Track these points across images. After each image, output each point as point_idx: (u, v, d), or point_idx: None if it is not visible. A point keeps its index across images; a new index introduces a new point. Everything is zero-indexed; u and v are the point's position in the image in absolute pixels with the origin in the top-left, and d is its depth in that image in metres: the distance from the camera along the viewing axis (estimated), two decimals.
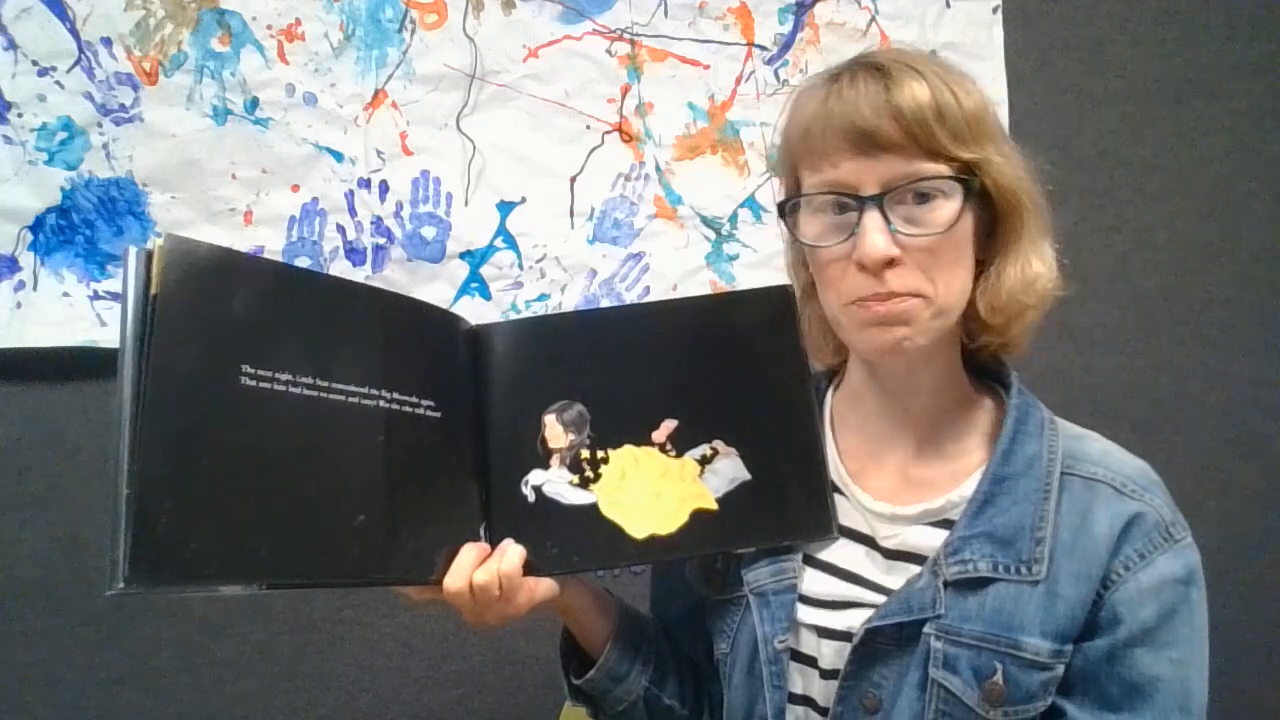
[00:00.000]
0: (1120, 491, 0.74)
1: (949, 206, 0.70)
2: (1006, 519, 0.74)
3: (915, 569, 0.76)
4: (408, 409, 0.77)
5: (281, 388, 0.70)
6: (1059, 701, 0.73)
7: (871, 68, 0.71)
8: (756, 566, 0.81)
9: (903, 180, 0.69)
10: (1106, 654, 0.72)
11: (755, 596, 0.80)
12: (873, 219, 0.69)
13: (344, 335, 0.75)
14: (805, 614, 0.79)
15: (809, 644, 0.79)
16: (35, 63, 1.26)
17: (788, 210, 0.76)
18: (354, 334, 0.76)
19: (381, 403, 0.76)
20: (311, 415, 0.72)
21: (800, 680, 0.79)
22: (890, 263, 0.69)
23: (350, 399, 0.74)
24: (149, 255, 0.66)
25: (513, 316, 1.34)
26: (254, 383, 0.69)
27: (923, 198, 0.70)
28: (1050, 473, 0.75)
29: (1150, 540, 0.72)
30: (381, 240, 1.32)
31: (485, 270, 1.34)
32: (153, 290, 0.65)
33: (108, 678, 1.33)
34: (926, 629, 0.73)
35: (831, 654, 0.77)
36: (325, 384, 0.72)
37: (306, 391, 0.71)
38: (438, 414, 0.79)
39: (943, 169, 0.70)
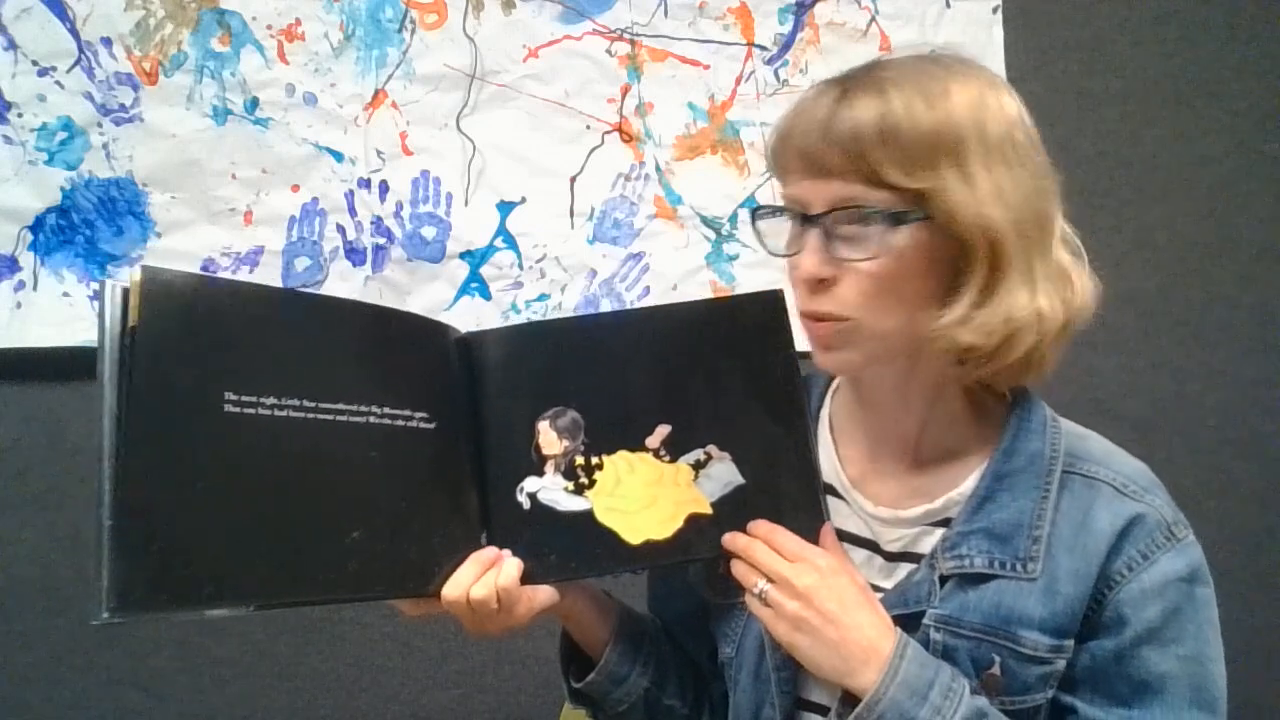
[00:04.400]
0: (1121, 491, 0.74)
1: (892, 236, 0.68)
2: (1005, 515, 0.74)
3: (915, 567, 0.77)
4: (400, 422, 0.77)
5: (267, 412, 0.70)
6: (1069, 699, 0.74)
7: (840, 83, 0.70)
8: None
9: (840, 204, 0.69)
10: (1114, 654, 0.72)
11: None
12: (811, 238, 0.70)
13: (330, 353, 0.75)
14: None
15: None
16: (35, 63, 1.26)
17: (756, 217, 0.77)
18: (340, 351, 0.75)
19: (372, 418, 0.75)
20: (300, 437, 0.71)
21: (808, 682, 0.79)
22: (823, 282, 0.70)
23: (340, 417, 0.73)
24: (125, 291, 0.65)
25: (513, 316, 1.34)
26: (238, 409, 0.68)
27: (865, 221, 0.68)
28: (1051, 470, 0.75)
29: (1152, 540, 0.73)
30: (381, 240, 1.32)
31: (485, 270, 1.34)
32: (131, 322, 0.65)
33: (108, 678, 1.33)
34: (926, 620, 0.74)
35: None
36: (313, 404, 0.72)
37: (294, 414, 0.71)
38: (431, 425, 0.79)
39: (884, 198, 0.67)
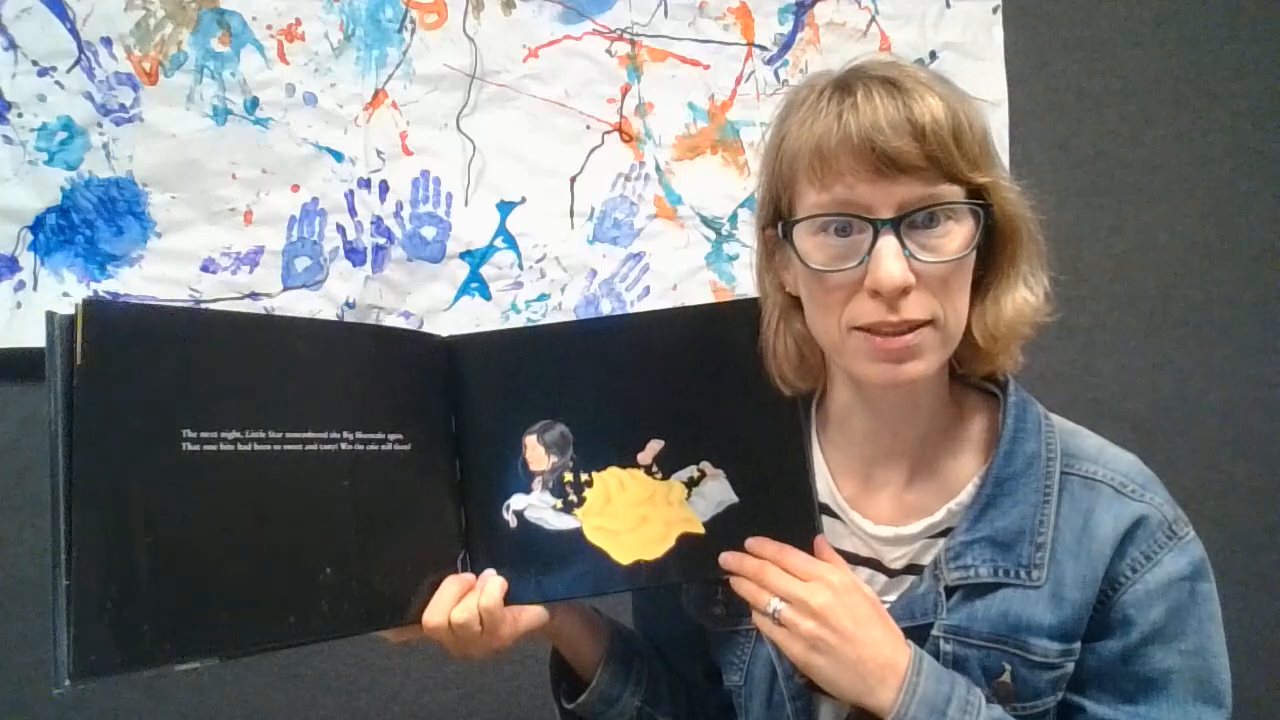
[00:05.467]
0: (1120, 492, 0.74)
1: (960, 231, 0.68)
2: (1007, 522, 0.73)
3: (918, 578, 0.76)
4: (373, 446, 0.73)
5: (229, 447, 0.65)
6: (1077, 699, 0.74)
7: (884, 81, 0.67)
8: None
9: (920, 204, 0.66)
10: (1120, 654, 0.73)
11: None
12: (889, 244, 0.66)
13: (294, 378, 0.70)
14: None
15: None
16: (35, 63, 1.26)
17: (792, 231, 0.70)
18: (306, 375, 0.71)
19: (343, 445, 0.71)
20: (266, 472, 0.67)
21: (823, 708, 0.79)
22: (906, 289, 0.67)
23: (308, 447, 0.69)
24: (71, 322, 0.60)
25: (513, 316, 1.34)
26: (197, 446, 0.64)
27: (932, 221, 0.67)
28: (1050, 472, 0.74)
29: (1155, 541, 0.73)
30: (381, 240, 1.32)
31: (485, 270, 1.34)
32: (77, 360, 0.60)
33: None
34: (935, 631, 0.73)
35: None
36: (279, 435, 0.68)
37: (258, 447, 0.67)
38: (407, 446, 0.76)
39: (958, 192, 0.67)
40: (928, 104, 0.66)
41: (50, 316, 0.60)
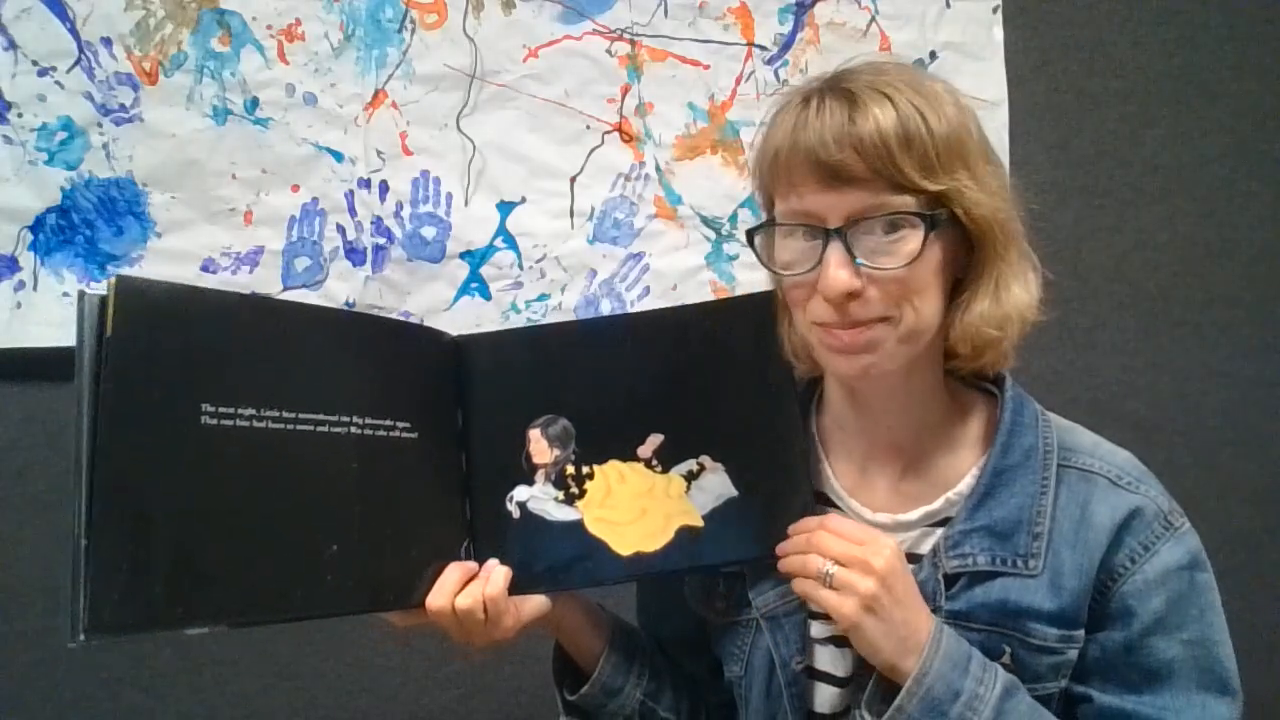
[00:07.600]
0: (1116, 484, 0.75)
1: (915, 238, 0.69)
2: (1005, 512, 0.75)
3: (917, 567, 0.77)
4: (381, 433, 0.76)
5: (245, 423, 0.68)
6: (1083, 689, 0.75)
7: (841, 92, 0.69)
8: (762, 588, 0.80)
9: (866, 214, 0.68)
10: (1123, 645, 0.74)
11: (767, 620, 0.80)
12: (835, 252, 0.68)
13: (310, 363, 0.74)
14: (817, 629, 0.79)
15: (823, 659, 0.79)
16: (35, 63, 1.26)
17: (757, 235, 0.75)
18: (321, 361, 0.74)
19: (353, 429, 0.74)
20: (278, 449, 0.70)
21: (819, 695, 0.80)
22: (852, 294, 0.69)
23: (319, 428, 0.72)
24: (102, 300, 0.64)
25: (513, 316, 1.34)
26: (215, 421, 0.67)
27: (891, 227, 0.69)
28: (1047, 465, 0.75)
29: (1152, 531, 0.74)
30: (381, 240, 1.32)
31: (485, 270, 1.34)
32: (107, 332, 0.64)
33: (108, 677, 1.33)
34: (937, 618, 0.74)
35: (848, 663, 0.78)
36: (292, 415, 0.71)
37: (272, 425, 0.70)
38: (414, 434, 0.78)
39: (908, 202, 0.68)
40: (873, 115, 0.67)
41: (82, 295, 0.63)
